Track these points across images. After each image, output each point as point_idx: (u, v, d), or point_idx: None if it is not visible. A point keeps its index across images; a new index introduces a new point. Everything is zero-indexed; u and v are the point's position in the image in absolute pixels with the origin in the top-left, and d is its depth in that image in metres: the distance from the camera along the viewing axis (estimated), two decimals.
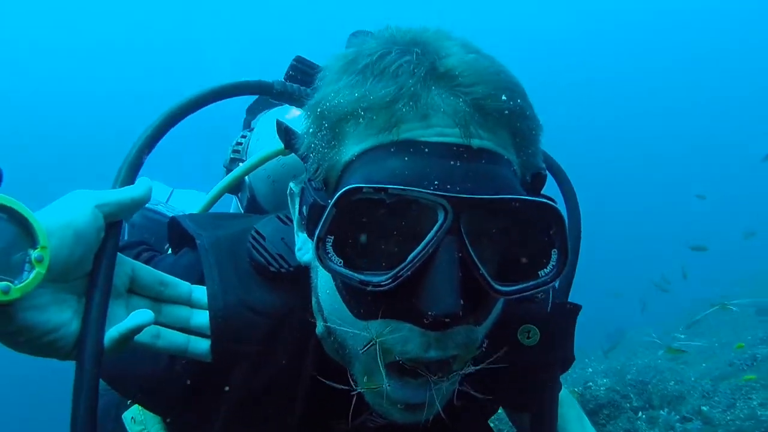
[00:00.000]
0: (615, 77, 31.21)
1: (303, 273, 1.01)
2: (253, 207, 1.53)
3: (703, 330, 6.99)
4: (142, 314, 0.84)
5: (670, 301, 10.37)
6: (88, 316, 0.81)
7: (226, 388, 1.04)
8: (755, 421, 3.16)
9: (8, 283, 0.72)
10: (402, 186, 0.77)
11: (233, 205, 1.74)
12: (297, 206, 0.97)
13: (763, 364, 4.08)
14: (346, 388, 0.93)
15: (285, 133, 0.98)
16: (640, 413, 3.63)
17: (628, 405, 3.74)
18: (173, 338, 0.93)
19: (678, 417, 3.05)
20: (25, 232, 0.74)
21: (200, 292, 0.99)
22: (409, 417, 0.92)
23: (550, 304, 1.18)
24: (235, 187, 1.54)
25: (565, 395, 1.62)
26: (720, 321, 7.15)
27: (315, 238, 0.80)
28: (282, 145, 1.00)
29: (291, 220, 1.06)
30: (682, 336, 6.80)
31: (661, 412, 3.53)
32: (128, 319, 0.83)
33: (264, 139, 1.52)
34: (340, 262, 0.81)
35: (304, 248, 1.00)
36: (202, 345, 0.96)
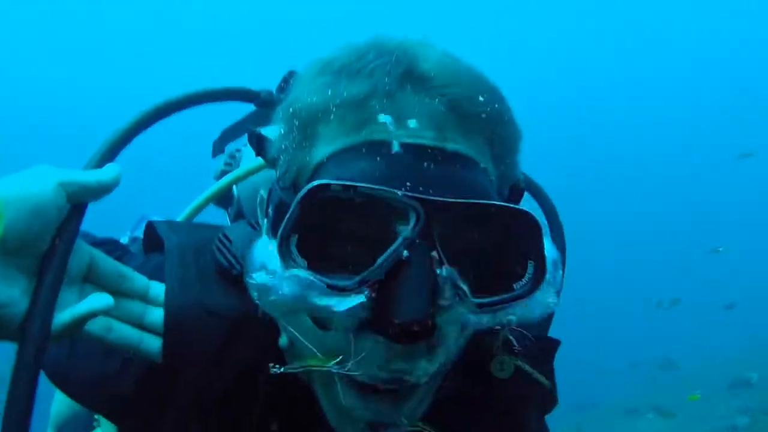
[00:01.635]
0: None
1: None
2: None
3: (670, 405, 6.90)
4: (99, 298, 0.79)
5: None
6: (37, 295, 0.75)
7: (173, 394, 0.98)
8: None
9: None
10: (372, 185, 0.74)
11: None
12: (266, 210, 0.94)
13: None
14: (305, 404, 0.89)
15: (257, 140, 0.96)
16: None
17: None
18: (125, 333, 0.88)
19: None
20: None
21: (158, 289, 0.94)
22: None
23: (527, 338, 1.10)
24: (225, 200, 1.52)
25: None
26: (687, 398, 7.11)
27: (278, 236, 0.77)
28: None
29: (260, 226, 1.02)
30: (650, 416, 6.69)
31: None
32: (85, 301, 0.78)
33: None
34: (304, 263, 0.77)
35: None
36: (154, 343, 0.91)
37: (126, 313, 0.89)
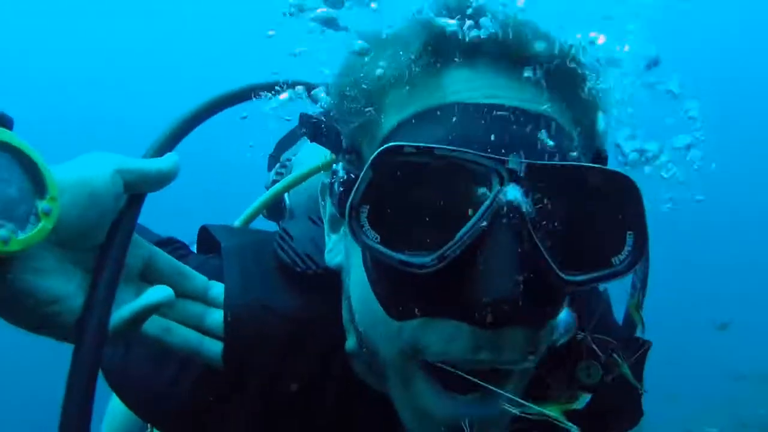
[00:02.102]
0: None
1: (333, 279, 0.90)
2: None
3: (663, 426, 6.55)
4: (160, 290, 0.74)
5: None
6: (94, 291, 0.70)
7: (235, 406, 0.92)
8: None
9: (9, 233, 0.61)
10: (450, 146, 0.67)
11: None
12: (328, 201, 0.88)
13: None
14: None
15: (312, 126, 0.88)
16: None
17: None
18: (185, 335, 0.83)
19: None
20: (35, 181, 0.65)
21: (218, 289, 0.88)
22: None
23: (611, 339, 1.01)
24: (276, 213, 1.47)
25: None
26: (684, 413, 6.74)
27: (348, 207, 0.69)
28: (327, 159, 0.93)
29: (323, 221, 0.96)
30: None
31: None
32: (144, 294, 0.73)
33: (308, 161, 1.43)
34: (377, 238, 0.70)
35: (335, 250, 0.90)
36: (216, 347, 0.85)
37: (185, 314, 0.85)
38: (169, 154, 0.82)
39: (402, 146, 0.68)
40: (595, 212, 0.73)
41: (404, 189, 0.70)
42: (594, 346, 0.96)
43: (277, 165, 1.69)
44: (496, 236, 0.66)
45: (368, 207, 0.69)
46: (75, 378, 0.68)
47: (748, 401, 7.45)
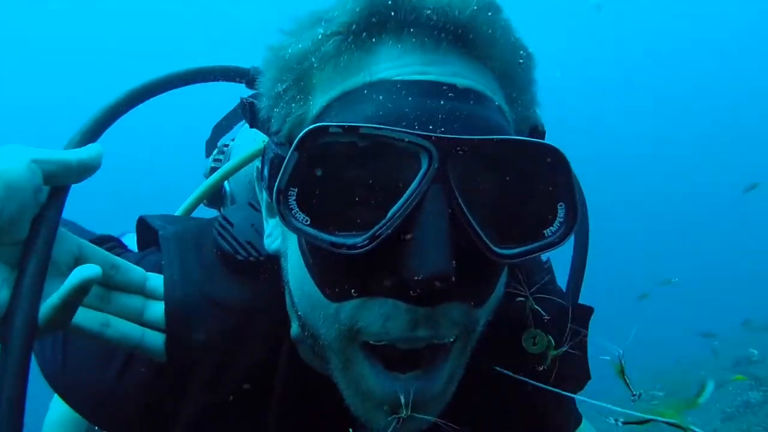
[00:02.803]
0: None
1: (275, 266, 0.88)
2: None
3: (675, 388, 6.87)
4: (87, 268, 0.68)
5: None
6: (20, 283, 0.66)
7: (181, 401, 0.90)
8: None
9: None
10: (376, 125, 0.66)
11: None
12: (264, 184, 0.85)
13: (759, 409, 3.95)
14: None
15: (249, 109, 0.86)
16: None
17: None
18: (125, 329, 0.79)
19: None
20: None
21: (156, 281, 0.85)
22: (398, 426, 0.76)
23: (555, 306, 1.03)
24: (217, 200, 1.44)
25: (585, 428, 1.45)
26: (691, 380, 7.08)
27: (275, 191, 0.68)
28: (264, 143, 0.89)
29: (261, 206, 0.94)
30: (661, 393, 6.67)
31: None
32: (71, 275, 0.68)
33: (247, 145, 1.40)
34: (306, 221, 0.68)
35: (273, 235, 0.88)
36: (157, 340, 0.83)
37: (124, 308, 0.81)
38: (91, 144, 0.77)
39: (327, 126, 0.66)
40: (526, 185, 0.72)
41: (332, 169, 0.69)
42: (539, 315, 0.96)
43: (215, 151, 1.64)
44: (427, 213, 0.65)
45: (296, 190, 0.68)
46: (4, 376, 0.63)
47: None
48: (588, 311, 1.08)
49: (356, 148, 0.67)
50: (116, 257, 0.81)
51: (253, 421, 0.95)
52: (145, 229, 1.04)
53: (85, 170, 0.72)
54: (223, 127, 1.72)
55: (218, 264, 0.92)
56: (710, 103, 28.92)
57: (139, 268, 0.84)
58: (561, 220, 0.72)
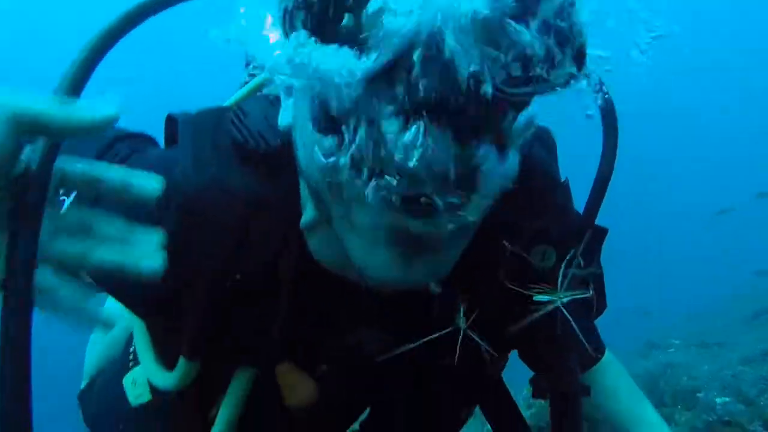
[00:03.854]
0: None
1: (287, 158, 0.86)
2: None
3: (694, 338, 6.86)
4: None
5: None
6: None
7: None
8: None
9: None
10: None
11: None
12: None
13: None
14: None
15: None
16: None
17: None
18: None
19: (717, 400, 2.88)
20: None
21: (140, 179, 0.73)
22: (403, 271, 0.74)
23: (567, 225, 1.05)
24: None
25: (611, 362, 1.42)
26: (712, 327, 7.06)
27: (281, 11, 0.65)
28: None
29: (279, 100, 0.91)
30: (677, 341, 6.68)
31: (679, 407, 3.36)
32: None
33: None
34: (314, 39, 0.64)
35: (286, 110, 0.86)
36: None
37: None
38: (107, 102, 0.65)
39: None
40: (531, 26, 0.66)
41: None
42: (550, 232, 0.99)
43: (251, 66, 1.57)
44: (438, 37, 0.59)
45: (302, 12, 0.65)
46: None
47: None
48: (602, 232, 1.07)
49: None
50: (97, 166, 0.71)
51: (260, 318, 0.97)
52: (169, 122, 1.03)
53: (87, 132, 0.62)
54: None
55: (231, 154, 0.92)
56: None
57: (119, 176, 0.71)
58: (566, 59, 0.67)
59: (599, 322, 1.31)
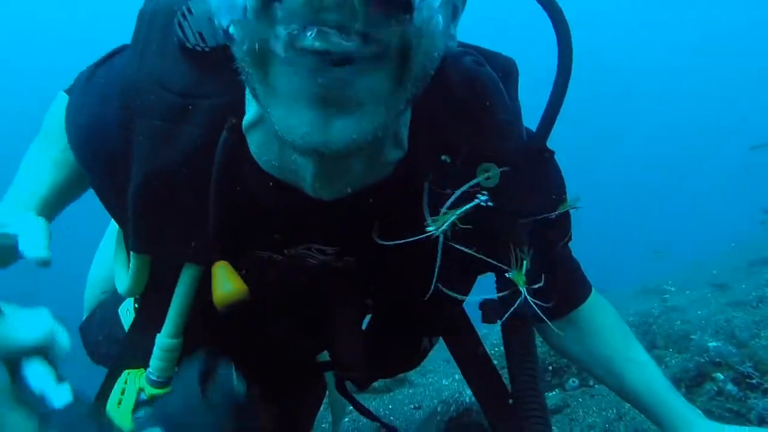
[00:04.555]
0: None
1: (225, 58, 0.87)
2: None
3: (689, 285, 6.92)
4: None
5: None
6: None
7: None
8: None
9: None
10: None
11: None
12: None
13: None
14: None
15: None
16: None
17: None
18: None
19: (711, 342, 2.92)
20: None
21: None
22: (323, 134, 0.73)
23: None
24: None
25: (597, 301, 1.42)
26: (708, 276, 7.11)
27: None
28: None
29: None
30: (673, 288, 6.75)
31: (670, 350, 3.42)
32: None
33: None
34: None
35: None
36: None
37: None
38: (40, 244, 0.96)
39: None
40: None
41: None
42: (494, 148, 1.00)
43: None
44: None
45: None
46: None
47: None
48: (550, 153, 1.09)
49: None
50: None
51: (194, 213, 1.01)
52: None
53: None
54: None
55: (176, 51, 0.98)
56: None
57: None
58: None
59: (598, 264, 1.30)
